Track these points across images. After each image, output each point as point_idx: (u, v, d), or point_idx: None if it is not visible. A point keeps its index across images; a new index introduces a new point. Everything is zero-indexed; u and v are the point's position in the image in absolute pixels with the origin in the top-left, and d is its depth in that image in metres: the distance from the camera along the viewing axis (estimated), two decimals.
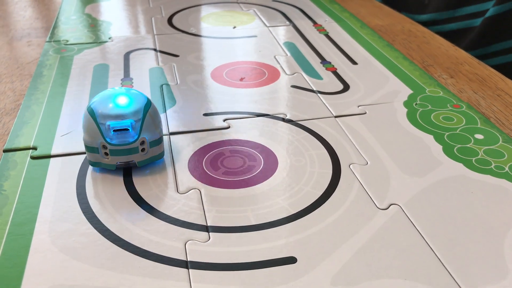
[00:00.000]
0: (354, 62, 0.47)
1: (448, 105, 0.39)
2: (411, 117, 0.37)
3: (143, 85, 0.42)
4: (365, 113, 0.38)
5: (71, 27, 0.55)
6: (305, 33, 0.54)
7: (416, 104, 0.39)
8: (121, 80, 0.43)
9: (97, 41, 0.51)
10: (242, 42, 0.51)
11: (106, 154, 0.30)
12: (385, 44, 0.51)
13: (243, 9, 0.61)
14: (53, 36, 0.52)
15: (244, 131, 0.36)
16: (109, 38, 0.52)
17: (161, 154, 0.32)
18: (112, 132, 0.29)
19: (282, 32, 0.54)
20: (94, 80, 0.43)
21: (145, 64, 0.46)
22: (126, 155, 0.30)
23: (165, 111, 0.38)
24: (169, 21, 0.57)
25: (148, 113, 0.30)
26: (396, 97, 0.40)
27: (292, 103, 0.39)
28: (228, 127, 0.36)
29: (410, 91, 0.41)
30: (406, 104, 0.39)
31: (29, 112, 0.38)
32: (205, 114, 0.38)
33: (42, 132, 0.35)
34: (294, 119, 0.37)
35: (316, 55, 0.48)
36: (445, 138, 0.35)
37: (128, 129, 0.29)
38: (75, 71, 0.44)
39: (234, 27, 0.55)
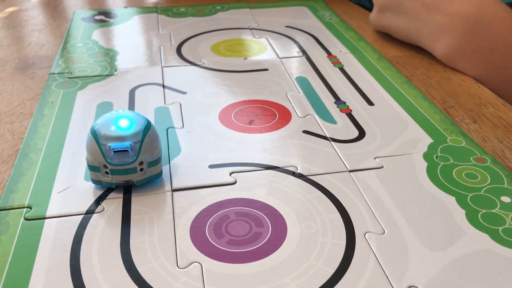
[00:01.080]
0: (370, 103, 0.44)
1: (471, 158, 0.36)
2: (432, 173, 0.35)
3: None
4: (382, 167, 0.36)
5: (76, 56, 0.53)
6: (318, 66, 0.51)
7: (436, 156, 0.37)
8: None
9: (102, 74, 0.49)
10: (253, 76, 0.49)
11: (107, 173, 0.32)
12: (404, 81, 0.48)
13: (255, 36, 0.59)
14: (57, 67, 0.50)
15: (252, 187, 0.33)
16: (115, 71, 0.50)
17: (159, 174, 0.34)
18: (113, 153, 0.31)
19: (295, 65, 0.52)
20: None
21: (150, 103, 0.44)
22: (126, 174, 0.32)
23: (169, 161, 0.36)
24: (178, 50, 0.55)
25: (147, 135, 0.32)
26: (415, 147, 0.38)
27: (304, 153, 0.37)
28: (235, 183, 0.34)
29: (430, 140, 0.39)
30: (426, 156, 0.37)
31: (26, 161, 0.36)
32: (211, 166, 0.36)
33: (39, 187, 0.33)
34: (305, 173, 0.35)
35: (330, 93, 0.46)
36: (468, 201, 0.32)
37: (128, 151, 0.31)
38: (77, 111, 0.43)
39: (245, 59, 0.53)
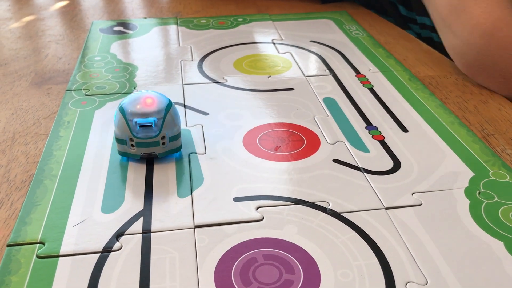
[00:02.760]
0: (404, 129, 0.42)
1: None
2: (475, 212, 0.32)
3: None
4: (421, 204, 0.33)
5: (94, 71, 0.51)
6: (347, 86, 0.49)
7: (479, 193, 0.34)
8: None
9: (121, 91, 0.47)
10: (278, 96, 0.47)
11: (133, 145, 0.36)
12: (438, 104, 0.45)
13: (279, 51, 0.57)
14: (74, 82, 0.48)
15: (280, 225, 0.31)
16: (134, 88, 0.48)
17: (179, 148, 0.37)
18: (138, 128, 0.35)
19: (322, 84, 0.49)
20: (114, 149, 0.38)
21: None
22: (149, 147, 0.36)
23: (191, 192, 0.34)
24: (200, 65, 0.53)
25: (168, 112, 0.36)
26: (455, 182, 0.35)
27: (335, 186, 0.34)
28: (262, 219, 0.31)
29: (471, 174, 0.36)
30: (468, 192, 0.34)
31: (40, 189, 0.34)
32: (236, 199, 0.33)
33: (53, 218, 0.31)
34: (338, 210, 0.32)
35: (361, 116, 0.43)
36: None
37: (151, 125, 0.35)
38: (94, 133, 0.40)
39: (269, 77, 0.51)
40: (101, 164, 0.37)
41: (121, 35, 0.61)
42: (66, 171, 0.36)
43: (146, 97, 0.36)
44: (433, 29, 0.65)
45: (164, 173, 0.36)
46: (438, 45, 0.65)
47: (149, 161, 0.37)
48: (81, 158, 0.37)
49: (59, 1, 0.76)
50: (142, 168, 0.36)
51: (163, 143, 0.36)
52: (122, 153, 0.37)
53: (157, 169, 0.36)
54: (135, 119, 0.35)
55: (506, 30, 0.44)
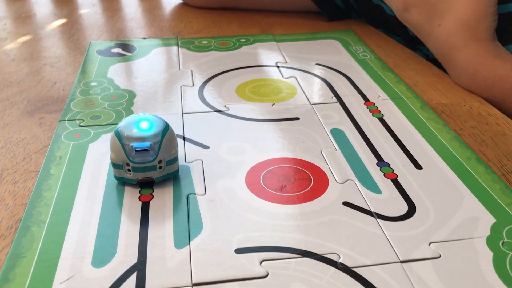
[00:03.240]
0: (417, 165, 0.39)
1: None
2: (500, 266, 0.29)
3: (165, 195, 0.35)
4: (439, 256, 0.30)
5: (89, 98, 0.49)
6: (355, 116, 0.46)
7: (503, 243, 0.31)
8: (139, 192, 0.36)
9: (117, 122, 0.44)
10: (283, 127, 0.44)
11: (129, 170, 0.35)
12: (453, 136, 0.43)
13: (283, 75, 0.54)
14: (68, 111, 0.46)
15: (286, 283, 0.28)
16: None
17: (176, 171, 0.37)
18: (135, 152, 0.34)
19: (329, 113, 0.47)
20: (107, 190, 0.36)
21: None
22: (146, 171, 0.35)
23: (189, 242, 0.31)
24: (201, 92, 0.50)
25: (165, 136, 0.35)
26: (476, 229, 0.32)
27: (346, 235, 0.32)
28: (266, 276, 0.29)
29: (492, 219, 0.33)
30: (490, 242, 0.31)
31: (27, 237, 0.31)
32: (238, 251, 0.30)
33: (39, 273, 0.29)
34: (350, 265, 0.29)
35: (371, 151, 0.41)
36: None
37: (148, 150, 0.34)
38: (87, 171, 0.38)
39: (273, 104, 0.48)
40: (93, 207, 0.34)
41: (119, 57, 0.59)
42: (55, 215, 0.33)
43: (142, 121, 0.35)
44: None
45: (161, 218, 0.33)
46: None
47: (145, 205, 0.34)
48: (72, 200, 0.35)
49: (57, 19, 0.74)
50: (137, 210, 0.34)
51: (160, 167, 0.35)
52: (118, 178, 0.36)
53: (153, 212, 0.34)
54: (131, 144, 0.34)
55: (485, 73, 0.50)
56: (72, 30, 0.69)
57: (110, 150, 0.35)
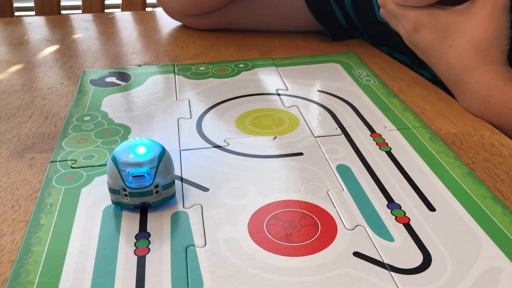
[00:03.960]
0: (430, 206, 0.37)
1: None
2: None
3: (163, 247, 0.33)
4: None
5: (82, 135, 0.46)
6: (362, 150, 0.44)
7: None
8: (135, 238, 0.34)
9: None
10: (285, 163, 0.42)
11: (126, 195, 0.35)
12: (465, 172, 0.40)
13: (284, 104, 0.52)
14: (60, 151, 0.44)
15: None
16: None
17: (173, 195, 0.37)
18: (131, 178, 0.35)
19: (334, 147, 0.44)
20: (100, 243, 0.33)
21: (166, 207, 0.37)
22: (143, 196, 0.35)
23: None
24: (199, 125, 0.48)
25: (162, 161, 0.35)
26: (498, 283, 0.30)
27: None
28: None
29: None
30: None
31: None
32: None
33: None
34: None
35: (380, 190, 0.39)
36: None
37: (145, 175, 0.35)
38: (79, 220, 0.36)
39: (275, 138, 0.46)
40: (85, 265, 0.32)
41: (114, 87, 0.56)
42: (44, 275, 0.31)
43: (138, 146, 0.35)
44: None
45: (158, 275, 0.31)
46: None
47: (141, 260, 0.32)
48: (63, 255, 0.32)
49: (50, 45, 0.72)
50: (133, 267, 0.31)
51: (157, 192, 0.36)
52: (115, 203, 0.36)
53: (150, 269, 0.31)
54: (127, 169, 0.34)
55: (497, 97, 0.48)
56: (65, 58, 0.67)
57: (107, 175, 0.35)
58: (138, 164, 0.35)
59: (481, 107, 0.49)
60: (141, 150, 0.35)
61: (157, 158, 0.35)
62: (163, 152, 0.36)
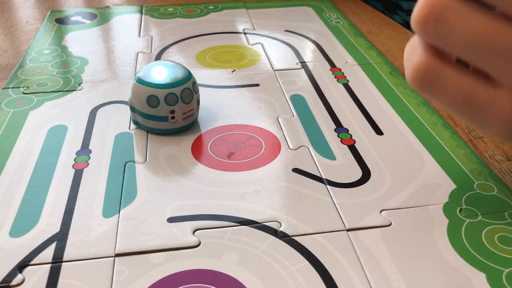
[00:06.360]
0: (378, 131, 0.36)
1: (505, 214, 0.28)
2: (454, 235, 0.27)
3: (102, 162, 0.33)
4: (390, 224, 0.28)
5: (39, 65, 0.46)
6: (319, 82, 0.43)
7: (461, 210, 0.29)
8: (76, 154, 0.34)
9: (63, 89, 0.42)
10: (240, 94, 0.41)
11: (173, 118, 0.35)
12: (420, 102, 0.40)
13: (248, 42, 0.51)
14: (15, 78, 0.43)
15: (219, 253, 0.26)
16: (79, 85, 0.42)
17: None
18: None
19: (291, 79, 0.44)
20: (41, 158, 0.33)
21: (112, 127, 0.37)
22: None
23: (119, 211, 0.29)
24: (157, 58, 0.48)
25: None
26: (433, 196, 0.30)
27: (291, 202, 0.29)
28: (198, 245, 0.26)
29: (453, 186, 0.31)
30: (447, 209, 0.29)
31: None
32: (170, 219, 0.28)
33: None
34: (290, 233, 0.27)
35: (331, 117, 0.38)
36: (504, 280, 0.24)
37: None
38: (23, 137, 0.35)
39: (233, 71, 0.45)
40: (22, 175, 0.31)
41: (78, 25, 0.55)
42: None
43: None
44: None
45: (93, 187, 0.31)
46: None
47: (78, 173, 0.32)
48: (1, 168, 0.32)
49: None
50: (69, 178, 0.31)
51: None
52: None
53: (86, 181, 0.31)
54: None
55: None
56: None
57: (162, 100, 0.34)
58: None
59: None
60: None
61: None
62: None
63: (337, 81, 0.43)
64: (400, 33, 0.54)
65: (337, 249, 0.26)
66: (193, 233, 0.27)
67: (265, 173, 0.32)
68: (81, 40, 0.52)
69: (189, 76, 0.35)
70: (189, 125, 0.36)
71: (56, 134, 0.36)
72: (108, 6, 0.62)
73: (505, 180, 0.31)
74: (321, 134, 0.36)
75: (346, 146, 0.35)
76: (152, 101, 0.34)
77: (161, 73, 0.35)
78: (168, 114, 0.34)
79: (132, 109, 0.35)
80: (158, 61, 0.37)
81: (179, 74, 0.35)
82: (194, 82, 0.36)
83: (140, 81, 0.34)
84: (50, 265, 0.25)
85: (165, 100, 0.34)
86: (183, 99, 0.35)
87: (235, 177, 0.32)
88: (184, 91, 0.34)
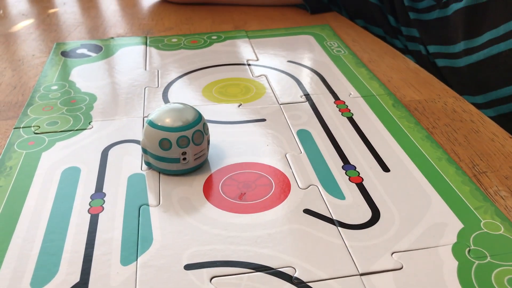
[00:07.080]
0: (385, 167, 0.37)
1: None
2: (465, 277, 0.28)
3: (117, 205, 0.33)
4: (402, 267, 0.28)
5: (48, 103, 0.46)
6: (324, 116, 0.44)
7: (469, 251, 0.29)
8: (90, 198, 0.34)
9: (74, 128, 0.42)
10: (248, 129, 0.42)
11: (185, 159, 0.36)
12: (424, 136, 0.41)
13: (253, 74, 0.52)
14: (24, 117, 0.44)
15: None
16: (89, 123, 0.43)
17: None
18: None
19: (297, 114, 0.45)
20: (56, 202, 0.34)
21: (125, 168, 0.37)
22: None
23: (137, 257, 0.29)
24: (165, 93, 0.48)
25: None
26: (442, 237, 0.30)
27: (304, 246, 0.30)
28: None
29: (460, 225, 0.31)
30: (456, 250, 0.29)
31: None
32: (187, 267, 0.29)
33: None
34: (305, 279, 0.28)
35: (337, 152, 0.39)
36: None
37: None
38: (37, 181, 0.36)
39: (240, 105, 0.46)
40: (38, 222, 0.32)
41: (84, 58, 0.56)
42: None
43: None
44: (421, 41, 0.61)
45: (110, 231, 0.31)
46: (425, 60, 0.61)
47: (94, 218, 0.32)
48: (18, 214, 0.33)
49: (26, 19, 0.72)
50: (85, 224, 0.32)
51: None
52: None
53: (102, 226, 0.32)
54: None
55: None
56: (39, 31, 0.67)
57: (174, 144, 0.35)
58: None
59: None
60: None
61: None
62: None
63: (341, 114, 0.44)
64: (401, 62, 0.55)
65: None
66: (210, 280, 0.28)
67: (277, 215, 0.33)
68: (88, 74, 0.52)
69: (199, 119, 0.36)
70: (200, 165, 0.37)
71: (70, 177, 0.36)
72: (112, 37, 0.63)
73: (511, 218, 0.32)
74: (329, 171, 0.37)
75: (354, 184, 0.35)
76: (164, 144, 0.35)
77: (172, 116, 0.35)
78: (180, 156, 0.35)
79: (145, 151, 0.36)
80: (169, 104, 0.37)
81: (190, 116, 0.36)
82: (205, 124, 0.37)
83: (152, 124, 0.35)
84: None
85: (177, 143, 0.35)
86: (194, 141, 0.35)
87: (247, 219, 0.32)
88: (196, 133, 0.35)
